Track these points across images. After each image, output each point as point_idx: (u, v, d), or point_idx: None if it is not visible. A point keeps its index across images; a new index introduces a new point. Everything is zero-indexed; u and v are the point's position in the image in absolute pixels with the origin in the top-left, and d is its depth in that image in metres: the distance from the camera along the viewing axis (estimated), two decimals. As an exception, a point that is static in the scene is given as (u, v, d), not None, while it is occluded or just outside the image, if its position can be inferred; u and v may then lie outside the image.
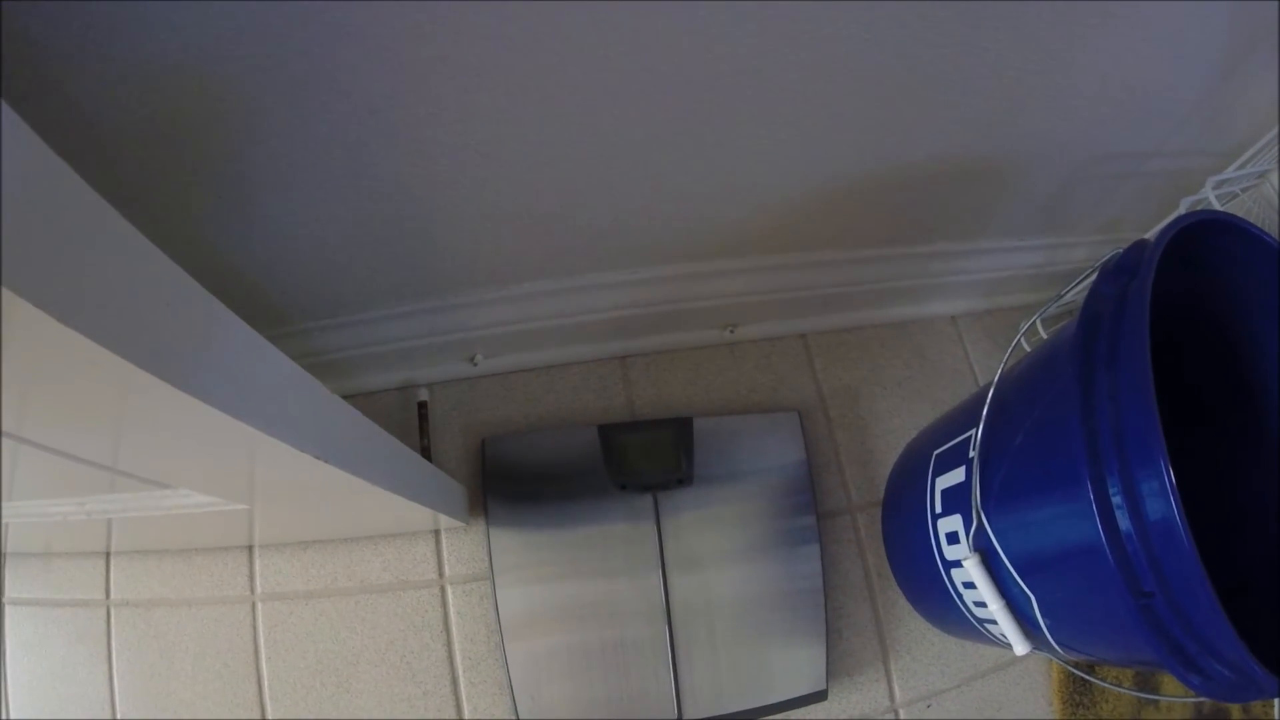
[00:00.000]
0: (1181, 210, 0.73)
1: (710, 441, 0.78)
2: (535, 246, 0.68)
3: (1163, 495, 0.37)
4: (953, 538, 0.54)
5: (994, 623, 0.51)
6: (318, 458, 0.38)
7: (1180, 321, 0.54)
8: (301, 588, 0.76)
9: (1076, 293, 0.56)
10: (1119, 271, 0.46)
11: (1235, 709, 0.85)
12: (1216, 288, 0.54)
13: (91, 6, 0.36)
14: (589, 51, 0.45)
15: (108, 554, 0.78)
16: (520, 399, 0.84)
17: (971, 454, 0.52)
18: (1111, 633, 0.44)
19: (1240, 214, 0.50)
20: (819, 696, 0.75)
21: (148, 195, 0.50)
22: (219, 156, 0.48)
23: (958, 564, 0.53)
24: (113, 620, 0.76)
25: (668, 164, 0.58)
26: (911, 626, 0.82)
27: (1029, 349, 0.60)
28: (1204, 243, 0.48)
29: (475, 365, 0.82)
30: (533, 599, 0.72)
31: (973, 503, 0.50)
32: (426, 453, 0.79)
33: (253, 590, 0.76)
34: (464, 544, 0.79)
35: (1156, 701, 0.82)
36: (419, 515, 0.68)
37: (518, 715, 0.70)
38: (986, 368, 0.94)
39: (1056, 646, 0.49)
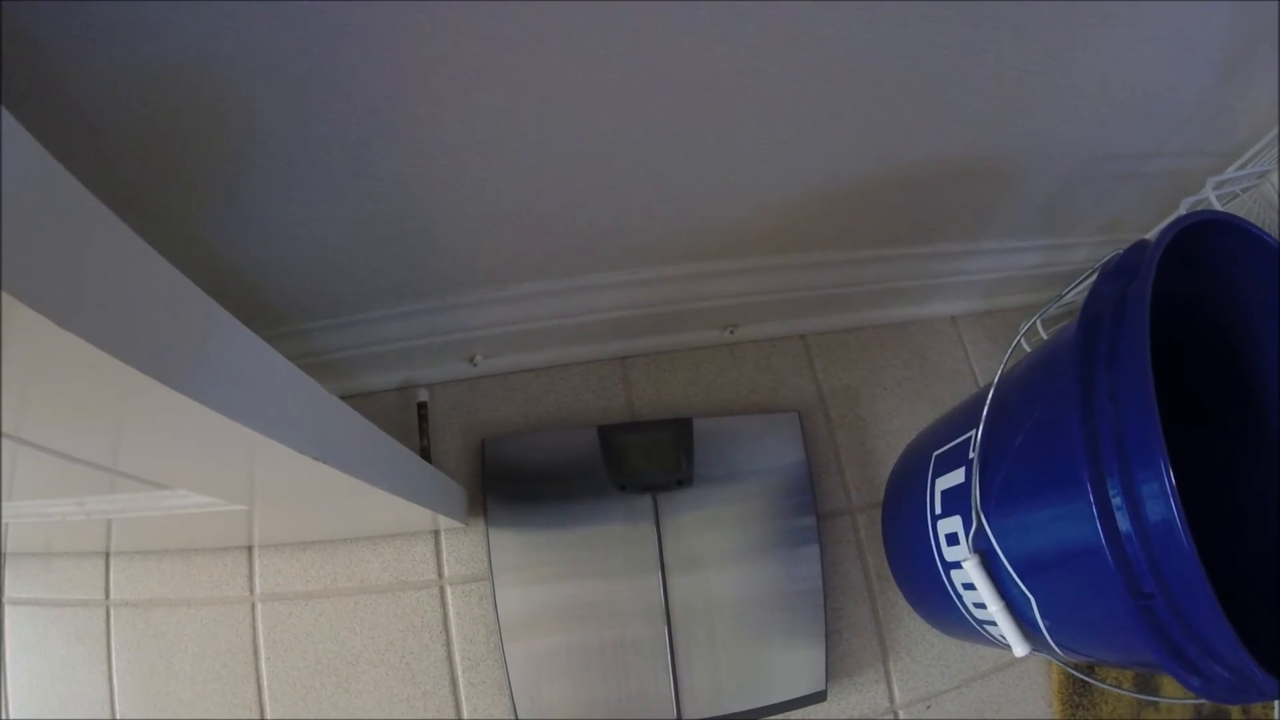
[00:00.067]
0: (1182, 210, 0.73)
1: (710, 442, 0.78)
2: (535, 246, 0.68)
3: (1163, 497, 0.37)
4: (952, 539, 0.54)
5: (993, 624, 0.51)
6: (316, 459, 0.38)
7: (1180, 321, 0.54)
8: (301, 588, 0.76)
9: (1077, 293, 0.56)
10: (1119, 272, 0.45)
11: (1235, 710, 0.85)
12: (1217, 288, 0.54)
13: (91, 7, 0.36)
14: (589, 51, 0.45)
15: (107, 554, 0.78)
16: (520, 399, 0.84)
17: (971, 455, 0.52)
18: (1111, 634, 0.44)
19: (1241, 214, 0.50)
20: (818, 697, 0.75)
21: (148, 195, 0.50)
22: (219, 156, 0.48)
23: (957, 565, 0.53)
24: (112, 620, 0.76)
25: (668, 164, 0.58)
26: (911, 627, 0.82)
27: (1029, 349, 0.60)
28: (1204, 243, 0.48)
29: (475, 365, 0.82)
30: (532, 599, 0.72)
31: (972, 504, 0.50)
32: (426, 453, 0.79)
33: (252, 590, 0.76)
34: (463, 544, 0.79)
35: (1156, 703, 0.82)
36: (418, 516, 0.68)
37: (517, 716, 0.70)
38: (987, 368, 0.94)
39: (1056, 648, 0.49)
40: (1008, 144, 0.65)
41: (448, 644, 0.75)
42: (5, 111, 0.20)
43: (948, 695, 0.81)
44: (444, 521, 0.73)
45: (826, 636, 0.76)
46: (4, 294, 0.19)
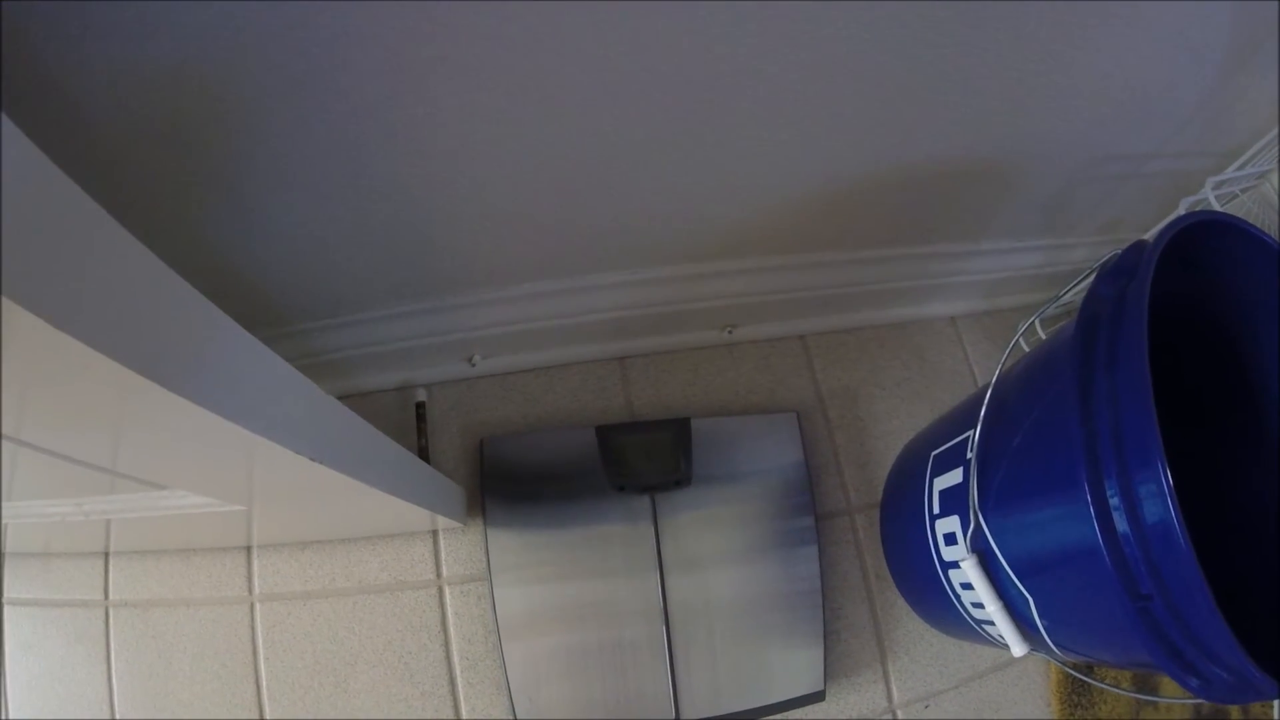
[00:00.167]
0: (1181, 211, 0.73)
1: (709, 442, 0.78)
2: (534, 247, 0.68)
3: (1160, 498, 0.37)
4: (950, 539, 0.54)
5: (991, 624, 0.51)
6: (313, 460, 0.38)
7: (1179, 322, 0.54)
8: (299, 588, 0.76)
9: (1075, 294, 0.56)
10: (1117, 273, 0.45)
11: (1234, 710, 0.85)
12: (1216, 288, 0.54)
13: (91, 7, 0.36)
14: (588, 52, 0.45)
15: (106, 554, 0.78)
16: (518, 399, 0.84)
17: (969, 455, 0.52)
18: (1109, 635, 0.44)
19: (1240, 214, 0.50)
20: (817, 697, 0.75)
21: (147, 196, 0.50)
22: (218, 157, 0.48)
23: (955, 565, 0.53)
24: (111, 620, 0.76)
25: (667, 164, 0.58)
26: (909, 627, 0.82)
27: (1027, 350, 0.60)
28: (1203, 243, 0.48)
29: (473, 366, 0.82)
30: (531, 599, 0.72)
31: (970, 504, 0.50)
32: (424, 453, 0.79)
33: (251, 591, 0.76)
34: (462, 544, 0.79)
35: (1155, 703, 0.82)
36: (417, 516, 0.68)
37: (515, 716, 0.70)
38: (985, 368, 0.94)
39: (1054, 648, 0.49)
40: (1007, 144, 0.65)
41: (446, 644, 0.76)
42: (4, 115, 0.20)
43: (946, 695, 0.81)
44: (442, 521, 0.73)
45: (825, 636, 0.76)
46: (3, 297, 0.19)
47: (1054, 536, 0.45)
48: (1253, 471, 0.56)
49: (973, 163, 0.67)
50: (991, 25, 0.50)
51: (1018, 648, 0.49)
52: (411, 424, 0.80)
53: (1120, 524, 0.39)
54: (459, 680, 0.75)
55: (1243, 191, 0.73)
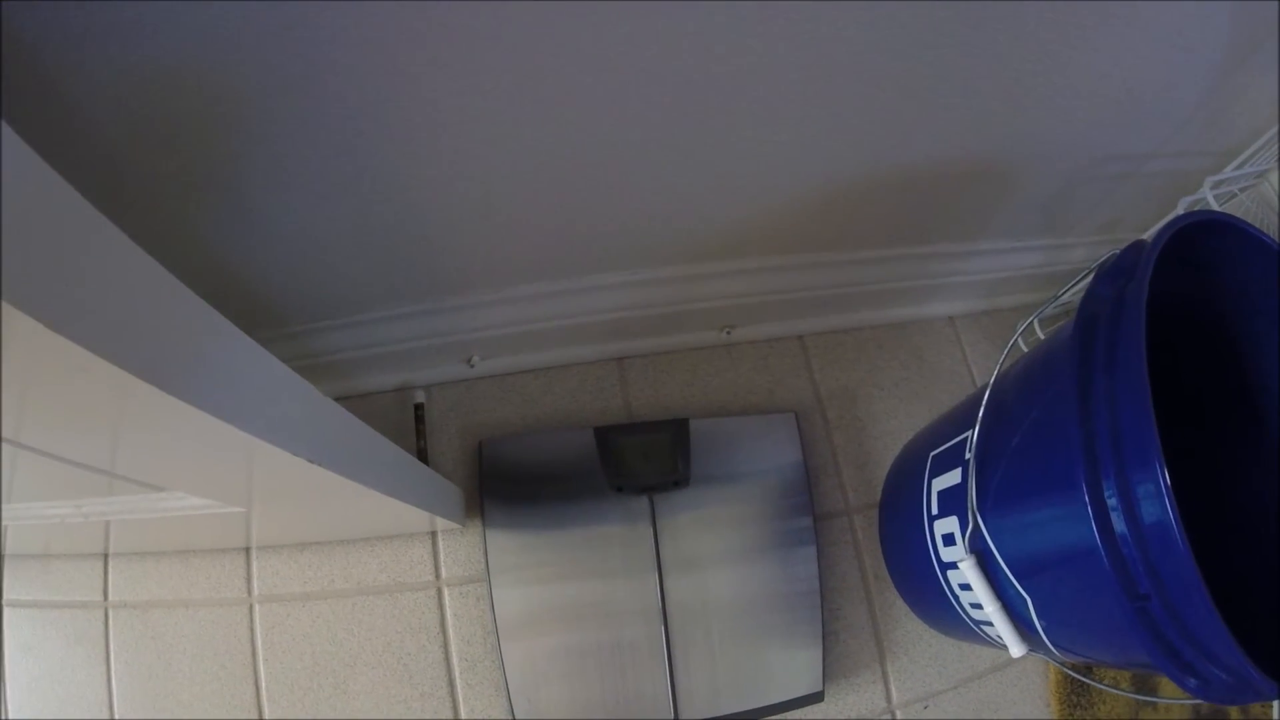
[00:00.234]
0: (1180, 210, 0.73)
1: (707, 443, 0.78)
2: (532, 248, 0.68)
3: (1158, 498, 0.37)
4: (949, 539, 0.54)
5: (990, 624, 0.51)
6: (311, 462, 0.38)
7: (1179, 320, 0.54)
8: (299, 589, 0.76)
9: (1074, 294, 0.56)
10: (1116, 273, 0.45)
11: (1234, 710, 0.85)
12: (1215, 288, 0.54)
13: (89, 8, 0.36)
14: (587, 53, 0.45)
15: (106, 556, 0.78)
16: (517, 401, 0.84)
17: (968, 455, 0.52)
18: (1107, 635, 0.44)
19: (1239, 214, 0.50)
20: (816, 698, 0.75)
21: (146, 196, 0.50)
22: (217, 158, 0.48)
23: (954, 566, 0.53)
24: (111, 621, 0.76)
25: (665, 165, 0.58)
26: (908, 628, 0.82)
27: (1026, 350, 0.60)
28: (1202, 243, 0.48)
29: (472, 367, 0.82)
30: (529, 600, 0.72)
31: (969, 504, 0.50)
32: (423, 455, 0.79)
33: (250, 592, 0.76)
34: (461, 546, 0.79)
35: (1154, 703, 0.82)
36: (415, 517, 0.68)
37: (514, 716, 0.70)
38: (984, 369, 0.94)
39: (1053, 648, 0.49)
40: (1006, 144, 0.65)
41: (445, 645, 0.76)
42: (2, 122, 0.20)
43: (945, 695, 0.81)
44: (441, 523, 0.73)
45: (824, 637, 0.76)
46: (3, 302, 0.19)
47: (1052, 537, 0.45)
48: (1253, 471, 0.56)
49: (971, 163, 0.67)
50: (990, 26, 0.50)
51: (1016, 648, 0.49)
52: (410, 425, 0.80)
53: (1118, 524, 0.39)
54: (458, 681, 0.75)
55: (1241, 191, 0.73)
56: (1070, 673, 0.55)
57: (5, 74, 0.38)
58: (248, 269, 0.61)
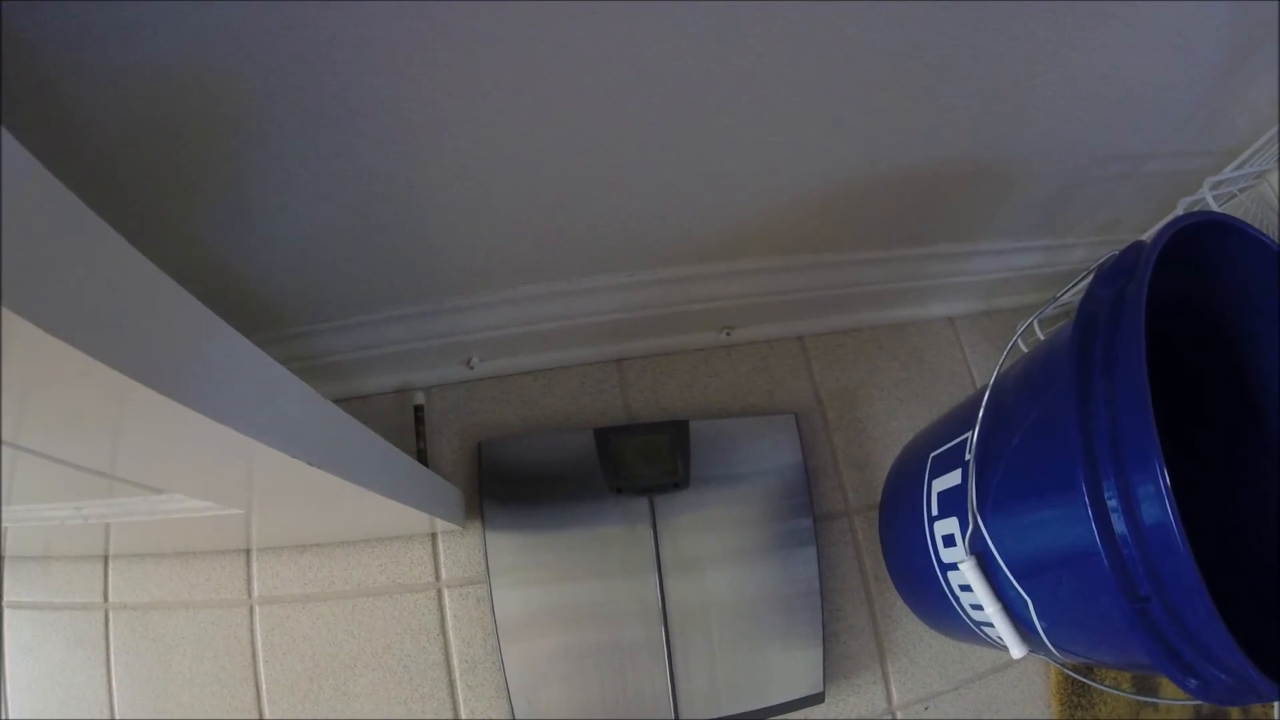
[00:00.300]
0: (1179, 211, 0.73)
1: (707, 444, 0.78)
2: (532, 249, 0.68)
3: (1158, 500, 0.37)
4: (949, 540, 0.54)
5: (991, 625, 0.51)
6: (310, 464, 0.38)
7: (1179, 319, 0.54)
8: (299, 591, 0.76)
9: (1073, 294, 0.56)
10: (1115, 274, 0.45)
11: (1234, 710, 0.85)
12: (1215, 288, 0.54)
13: (89, 8, 0.36)
14: (586, 54, 0.45)
15: (106, 557, 0.78)
16: (516, 402, 0.84)
17: (968, 456, 0.52)
18: (1108, 637, 0.44)
19: (1238, 214, 0.50)
20: (816, 699, 0.75)
21: (145, 197, 0.50)
22: (217, 159, 0.48)
23: (954, 567, 0.53)
24: (111, 623, 0.76)
25: (665, 166, 0.58)
26: (909, 629, 0.82)
27: (1026, 351, 0.60)
28: (1201, 244, 0.48)
29: (471, 368, 0.82)
30: (529, 602, 0.72)
31: (969, 505, 0.50)
32: (423, 456, 0.79)
33: (250, 593, 0.76)
34: (460, 547, 0.78)
35: (1155, 704, 0.82)
36: (415, 519, 0.68)
37: (514, 717, 0.70)
38: (984, 369, 0.94)
39: (1053, 649, 0.49)
40: (1006, 144, 0.65)
41: (445, 646, 0.75)
42: (1, 126, 0.20)
43: (946, 696, 0.81)
44: (441, 524, 0.73)
45: (824, 638, 0.76)
46: (3, 307, 0.19)
47: (1052, 538, 0.45)
48: (1253, 471, 0.56)
49: (971, 163, 0.67)
50: (990, 26, 0.50)
51: (1017, 649, 0.49)
52: (410, 427, 0.80)
53: (1118, 526, 0.39)
54: (458, 682, 0.75)
55: (1241, 191, 0.73)
56: (1071, 674, 0.55)
57: (5, 74, 0.38)
58: (247, 269, 0.61)
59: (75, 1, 0.35)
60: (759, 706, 0.73)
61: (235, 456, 0.38)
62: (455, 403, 0.83)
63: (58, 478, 0.42)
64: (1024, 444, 0.48)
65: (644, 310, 0.79)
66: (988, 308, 0.98)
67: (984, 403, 0.52)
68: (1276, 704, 0.83)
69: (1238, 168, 0.71)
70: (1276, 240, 0.49)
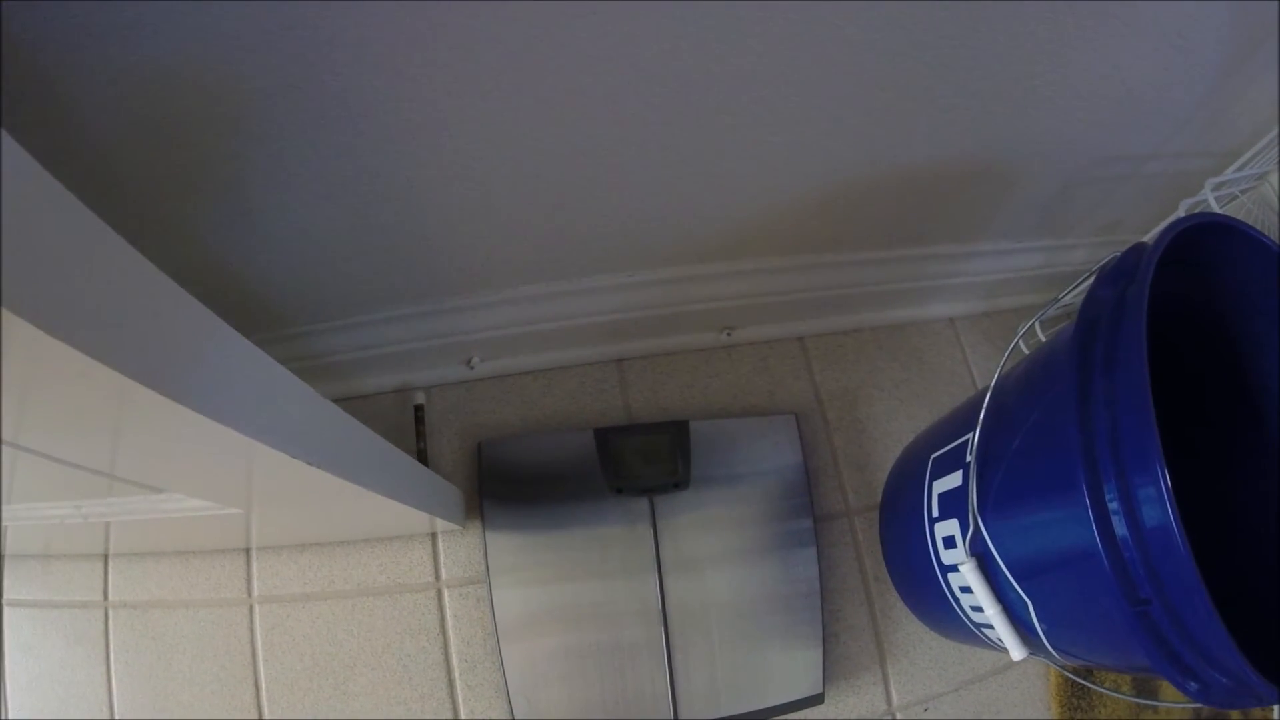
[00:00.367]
0: (1180, 212, 0.73)
1: (707, 445, 0.78)
2: (532, 249, 0.68)
3: (1159, 502, 0.37)
4: (950, 542, 0.54)
5: (991, 627, 0.51)
6: (310, 464, 0.38)
7: (1180, 319, 0.54)
8: (299, 590, 0.76)
9: (1075, 295, 0.56)
10: (1117, 275, 0.45)
11: (1234, 714, 0.85)
12: (1216, 289, 0.54)
13: (89, 8, 0.36)
14: (586, 54, 0.45)
15: (106, 556, 0.78)
16: (517, 402, 0.84)
17: (968, 458, 0.52)
18: (1108, 639, 0.44)
19: (1239, 216, 0.50)
20: (816, 700, 0.75)
21: (145, 197, 0.50)
22: (217, 158, 0.48)
23: (954, 568, 0.53)
24: (111, 622, 0.76)
25: (665, 166, 0.58)
26: (909, 630, 0.82)
27: (1027, 352, 0.60)
28: (1203, 245, 0.48)
29: (472, 368, 0.82)
30: (529, 602, 0.72)
31: (969, 507, 0.50)
32: (423, 456, 0.79)
33: (250, 593, 0.76)
34: (460, 547, 0.78)
35: (1155, 706, 0.82)
36: (415, 519, 0.68)
37: (514, 717, 0.70)
38: (985, 370, 0.94)
39: (1053, 651, 0.49)
40: (1006, 145, 0.65)
41: (445, 646, 0.75)
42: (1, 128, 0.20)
43: (946, 698, 0.81)
44: (441, 524, 0.73)
45: (824, 639, 0.76)
46: (3, 308, 0.19)
47: (1052, 540, 0.44)
48: (1253, 471, 0.56)
49: (971, 163, 0.67)
50: (990, 26, 0.50)
51: (1017, 651, 0.49)
52: (410, 427, 0.80)
53: (1119, 527, 0.39)
54: (458, 682, 0.75)
55: (1242, 193, 0.73)
56: (1071, 676, 0.55)
57: (5, 74, 0.38)
58: (247, 269, 0.61)
59: (75, 1, 0.35)
60: (759, 707, 0.73)
61: (235, 456, 0.38)
62: (455, 403, 0.83)
63: (58, 477, 0.42)
64: (1025, 445, 0.48)
65: (644, 310, 0.79)
66: (988, 308, 0.98)
67: (985, 404, 0.52)
68: (1276, 707, 0.82)
69: (1239, 169, 0.71)
70: (1277, 241, 0.49)
